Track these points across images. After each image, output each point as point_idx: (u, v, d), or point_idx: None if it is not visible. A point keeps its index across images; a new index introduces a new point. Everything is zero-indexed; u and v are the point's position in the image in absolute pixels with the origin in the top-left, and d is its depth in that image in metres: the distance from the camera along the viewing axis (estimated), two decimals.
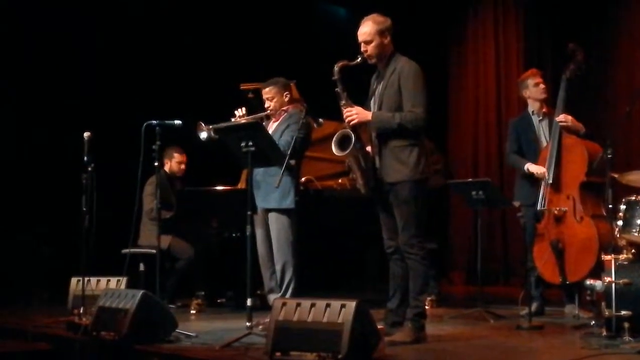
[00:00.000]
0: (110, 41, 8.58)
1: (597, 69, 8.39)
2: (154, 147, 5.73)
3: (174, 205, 7.25)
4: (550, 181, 6.35)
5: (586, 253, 6.07)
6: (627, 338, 4.95)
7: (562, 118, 6.40)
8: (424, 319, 5.20)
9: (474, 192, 6.59)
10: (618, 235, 5.46)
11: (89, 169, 5.92)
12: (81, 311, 5.83)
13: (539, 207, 6.41)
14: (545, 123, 6.66)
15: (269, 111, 6.10)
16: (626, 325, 5.01)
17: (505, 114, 9.40)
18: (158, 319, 5.22)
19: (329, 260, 8.24)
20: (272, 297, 5.94)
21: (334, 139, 5.18)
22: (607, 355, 4.65)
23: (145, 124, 5.75)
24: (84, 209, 5.89)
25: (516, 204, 6.21)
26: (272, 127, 6.04)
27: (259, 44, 9.19)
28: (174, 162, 7.73)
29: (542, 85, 6.68)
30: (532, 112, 6.72)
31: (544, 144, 6.60)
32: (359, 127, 5.16)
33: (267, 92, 6.13)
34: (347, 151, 5.10)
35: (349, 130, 5.12)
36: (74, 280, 6.41)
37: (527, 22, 9.70)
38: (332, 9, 10.14)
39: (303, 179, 7.12)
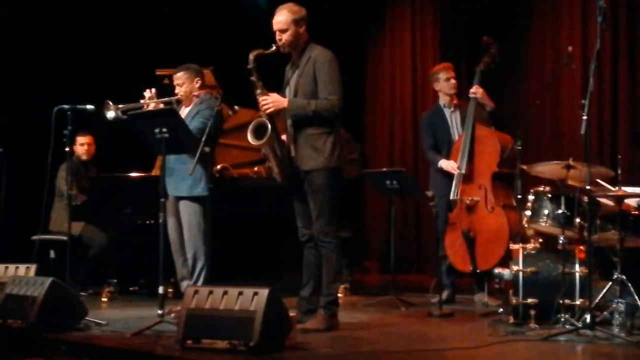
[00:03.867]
0: (21, 23, 8.35)
1: (510, 63, 8.57)
2: (65, 132, 5.61)
3: (87, 191, 7.13)
4: (463, 172, 6.48)
5: (496, 242, 6.21)
6: (532, 325, 5.10)
7: (474, 90, 6.54)
8: (336, 306, 5.24)
9: (388, 182, 6.66)
10: (526, 225, 5.60)
11: None
12: None
13: (451, 197, 6.53)
14: (456, 115, 6.78)
15: (179, 96, 6.03)
16: (532, 312, 5.15)
17: (421, 106, 9.50)
18: (67, 307, 5.14)
19: (245, 248, 8.22)
20: (184, 285, 5.90)
21: (250, 127, 5.16)
22: (513, 341, 4.77)
23: (56, 108, 5.63)
24: None
25: (429, 193, 6.31)
26: (183, 113, 5.97)
27: (178, 30, 9.08)
28: (77, 146, 7.55)
29: (452, 81, 6.79)
30: (444, 105, 6.83)
31: (456, 135, 6.72)
32: (274, 116, 5.16)
33: (178, 77, 6.05)
34: (263, 140, 5.09)
35: (264, 118, 5.12)
36: None
37: (443, 16, 9.83)
38: None
39: (219, 167, 7.08)
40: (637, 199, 5.40)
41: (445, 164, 6.61)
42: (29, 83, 8.26)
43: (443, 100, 6.84)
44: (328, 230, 5.16)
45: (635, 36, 8.07)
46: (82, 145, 7.58)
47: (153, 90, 5.98)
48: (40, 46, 8.41)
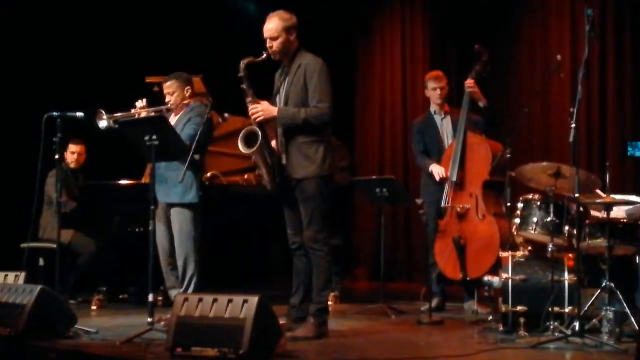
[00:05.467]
0: (10, 29, 8.33)
1: (500, 71, 8.60)
2: (54, 139, 5.60)
3: (76, 198, 7.11)
4: (454, 179, 6.49)
5: (487, 250, 6.22)
6: (522, 333, 5.10)
7: (470, 83, 6.54)
8: (326, 314, 5.24)
9: (378, 190, 6.66)
10: (515, 233, 5.61)
11: None
12: None
13: (442, 204, 6.53)
14: (447, 121, 6.79)
15: (169, 105, 6.02)
16: (521, 320, 5.16)
17: (411, 114, 9.51)
18: (56, 315, 5.12)
19: (234, 255, 8.21)
20: (173, 293, 5.88)
21: (240, 135, 5.17)
22: (503, 349, 4.78)
23: (46, 115, 5.62)
24: None
25: (418, 201, 6.31)
26: (173, 121, 5.96)
27: (168, 37, 9.08)
28: (68, 153, 7.53)
29: (438, 92, 6.77)
30: (434, 111, 6.85)
31: (447, 142, 6.73)
32: (265, 123, 5.16)
33: (168, 86, 6.04)
34: (254, 148, 5.09)
35: (255, 126, 5.12)
36: None
37: (433, 22, 9.87)
38: (243, 4, 10.11)
39: (208, 174, 7.08)
40: (626, 209, 5.42)
41: (435, 169, 6.61)
42: (18, 90, 8.23)
43: (434, 107, 6.85)
44: (319, 238, 5.16)
45: (622, 44, 8.12)
46: (73, 154, 7.57)
47: (144, 100, 5.98)
48: (29, 53, 8.38)
